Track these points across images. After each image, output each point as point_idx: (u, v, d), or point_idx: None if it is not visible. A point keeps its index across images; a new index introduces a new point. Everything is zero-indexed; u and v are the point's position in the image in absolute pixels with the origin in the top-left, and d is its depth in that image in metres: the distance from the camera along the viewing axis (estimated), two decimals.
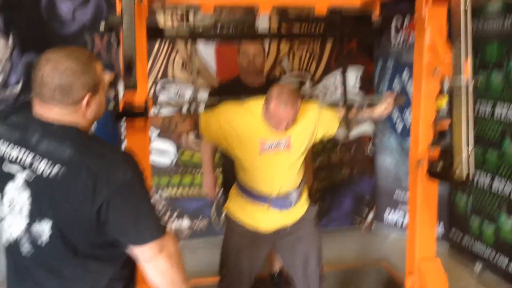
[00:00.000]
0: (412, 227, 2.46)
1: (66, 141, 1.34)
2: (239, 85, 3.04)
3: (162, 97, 3.92)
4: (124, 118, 2.09)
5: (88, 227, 1.33)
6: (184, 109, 3.76)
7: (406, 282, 2.45)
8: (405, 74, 4.05)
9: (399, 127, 4.19)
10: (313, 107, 2.52)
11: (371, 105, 2.73)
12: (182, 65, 3.93)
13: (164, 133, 3.89)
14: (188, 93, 3.94)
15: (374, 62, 4.28)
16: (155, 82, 3.90)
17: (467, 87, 1.93)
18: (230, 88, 3.01)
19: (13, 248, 1.41)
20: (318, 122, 2.50)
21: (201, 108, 2.82)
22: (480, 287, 3.38)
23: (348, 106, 2.62)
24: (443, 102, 2.03)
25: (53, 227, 1.33)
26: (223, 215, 2.80)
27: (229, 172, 3.14)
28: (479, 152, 3.46)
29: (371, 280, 3.46)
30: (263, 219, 2.52)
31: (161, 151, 4.01)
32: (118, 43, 2.13)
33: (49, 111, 1.36)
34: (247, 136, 2.38)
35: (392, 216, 4.38)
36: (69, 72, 1.33)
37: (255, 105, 2.40)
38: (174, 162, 4.04)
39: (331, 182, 4.37)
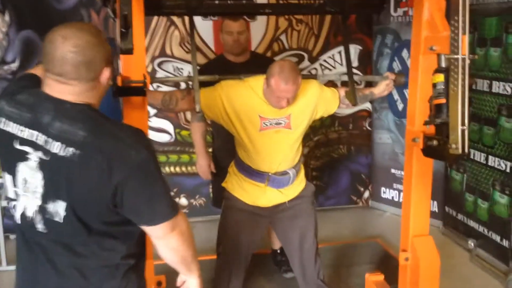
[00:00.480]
0: (406, 205, 2.48)
1: (78, 122, 1.32)
2: (223, 62, 3.03)
3: (160, 75, 3.91)
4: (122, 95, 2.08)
5: (103, 207, 1.34)
6: (183, 86, 3.78)
7: (400, 258, 2.49)
8: (405, 50, 4.03)
9: (400, 106, 4.18)
10: (313, 86, 2.51)
11: (370, 84, 2.72)
12: (180, 41, 3.91)
13: (163, 112, 3.88)
14: (186, 70, 3.93)
15: (373, 39, 4.25)
16: (153, 60, 3.88)
17: (464, 64, 1.92)
18: (215, 66, 2.99)
19: (26, 226, 1.40)
20: (318, 100, 2.50)
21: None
22: (472, 263, 3.42)
23: (352, 79, 2.59)
24: (440, 79, 2.03)
25: (68, 208, 1.33)
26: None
27: (220, 151, 3.15)
28: (475, 129, 3.48)
29: (366, 256, 3.51)
30: (261, 196, 2.54)
31: (158, 130, 4.02)
32: (115, 16, 2.12)
33: (71, 90, 1.33)
34: (248, 113, 2.38)
35: (388, 193, 4.41)
36: (91, 46, 1.31)
37: (256, 82, 2.40)
38: (171, 140, 4.05)
39: (328, 159, 4.39)
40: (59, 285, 1.42)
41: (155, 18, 3.81)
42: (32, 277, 1.46)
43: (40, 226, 1.37)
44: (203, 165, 3.14)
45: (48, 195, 1.34)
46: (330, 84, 3.62)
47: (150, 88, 2.29)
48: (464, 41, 1.91)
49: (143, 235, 1.51)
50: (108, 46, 1.38)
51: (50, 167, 1.32)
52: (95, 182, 1.30)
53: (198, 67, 2.45)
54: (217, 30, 3.91)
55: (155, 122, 3.98)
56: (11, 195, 1.41)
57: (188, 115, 4.00)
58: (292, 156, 2.51)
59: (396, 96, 4.20)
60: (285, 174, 2.50)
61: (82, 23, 1.39)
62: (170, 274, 2.99)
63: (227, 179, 2.65)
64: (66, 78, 1.31)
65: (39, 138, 1.32)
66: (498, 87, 3.24)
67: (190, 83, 2.45)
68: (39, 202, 1.35)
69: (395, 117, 4.24)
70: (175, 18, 3.84)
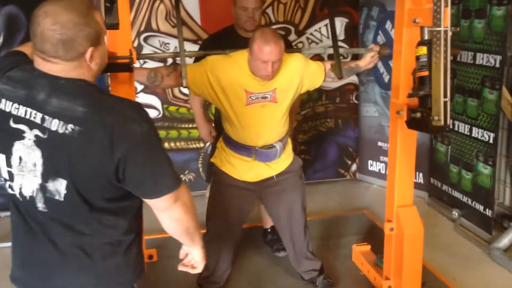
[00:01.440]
0: (391, 176, 2.53)
1: (77, 98, 1.29)
2: (233, 36, 2.93)
3: (146, 50, 3.89)
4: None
5: (105, 183, 1.32)
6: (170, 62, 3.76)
7: (385, 229, 2.55)
8: (388, 22, 4.02)
9: (386, 78, 4.20)
10: (298, 59, 2.52)
11: (356, 56, 2.73)
12: (166, 15, 3.88)
13: (149, 88, 3.87)
14: (172, 45, 3.90)
15: (359, 11, 4.24)
16: (138, 35, 3.85)
17: (446, 36, 1.94)
18: (225, 38, 2.91)
19: (26, 206, 1.39)
20: (303, 73, 2.51)
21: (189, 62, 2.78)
22: (456, 232, 3.50)
23: (337, 52, 2.60)
24: (423, 51, 2.05)
25: (69, 185, 1.31)
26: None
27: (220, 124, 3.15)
28: (460, 101, 3.52)
29: (354, 227, 3.57)
30: (249, 171, 2.57)
31: (146, 106, 4.01)
32: None
33: (54, 67, 1.30)
34: (233, 87, 2.39)
35: (375, 166, 4.47)
36: (71, 25, 1.26)
37: (241, 56, 2.40)
38: (159, 116, 4.05)
39: (315, 133, 4.42)
40: (62, 265, 1.42)
41: None
42: (32, 257, 1.45)
43: (40, 205, 1.36)
44: (204, 134, 3.20)
45: (48, 173, 1.32)
46: (317, 57, 3.64)
47: (137, 64, 2.28)
48: (447, 13, 1.93)
49: (140, 209, 1.52)
50: (97, 26, 1.32)
51: (49, 145, 1.30)
52: (97, 158, 1.28)
53: (207, 38, 2.36)
54: (203, 3, 3.89)
55: (143, 98, 3.97)
56: (4, 175, 1.38)
57: (176, 90, 3.99)
58: (278, 129, 2.53)
59: (382, 69, 4.22)
60: (271, 147, 2.53)
61: (73, 1, 1.34)
62: (161, 249, 3.08)
63: (216, 155, 2.67)
64: (47, 55, 1.29)
65: (35, 115, 1.30)
66: (482, 59, 3.26)
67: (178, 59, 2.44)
68: (39, 181, 1.33)
69: (381, 89, 4.27)
70: None
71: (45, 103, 1.29)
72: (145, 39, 3.88)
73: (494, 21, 3.14)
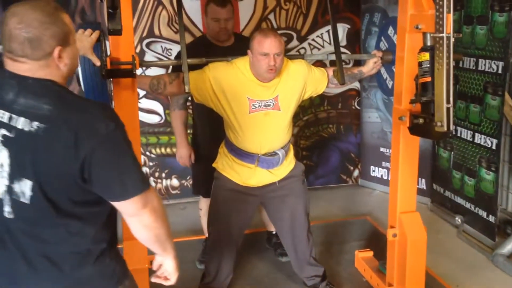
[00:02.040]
0: (394, 182, 2.52)
1: (43, 97, 1.30)
2: (207, 45, 2.87)
3: (148, 56, 3.89)
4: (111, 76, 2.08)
5: (70, 183, 1.31)
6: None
7: (388, 235, 2.54)
8: (390, 28, 4.01)
9: (390, 84, 4.19)
10: (300, 65, 2.53)
11: (358, 62, 2.73)
12: (168, 21, 3.89)
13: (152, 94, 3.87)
14: (175, 51, 3.91)
15: (361, 17, 4.25)
16: (141, 40, 3.86)
17: (448, 42, 1.94)
18: (197, 49, 2.78)
19: None
20: (306, 80, 2.52)
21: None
22: (459, 239, 3.49)
23: (340, 58, 2.60)
24: (425, 57, 2.05)
25: (34, 187, 1.30)
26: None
27: (200, 138, 3.04)
28: (462, 107, 3.52)
29: (356, 233, 3.56)
30: (251, 177, 2.57)
31: (148, 111, 4.02)
32: None
33: (22, 66, 1.31)
34: (236, 95, 2.39)
35: (377, 172, 4.46)
36: (36, 24, 1.28)
37: (243, 62, 2.42)
38: (161, 121, 4.05)
39: (318, 139, 4.42)
40: (31, 276, 1.38)
41: None
42: (1, 268, 1.41)
43: (7, 209, 1.34)
44: (183, 156, 2.99)
45: (14, 174, 1.31)
46: (319, 63, 3.65)
47: (139, 71, 2.28)
48: (449, 19, 1.93)
49: (112, 217, 1.48)
50: (65, 26, 1.34)
51: (16, 143, 1.30)
52: (62, 156, 1.28)
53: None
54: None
55: (145, 103, 3.98)
56: None
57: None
58: (281, 137, 2.53)
59: (385, 75, 4.20)
60: (274, 155, 2.53)
61: (40, 1, 1.35)
62: None
63: (218, 160, 2.66)
64: (15, 55, 1.30)
65: (3, 115, 1.31)
66: (484, 65, 3.26)
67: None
68: (6, 182, 1.32)
69: (383, 95, 4.26)
70: None
71: (13, 102, 1.30)
72: (148, 45, 3.89)
73: (496, 27, 3.14)
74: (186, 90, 2.32)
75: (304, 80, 2.51)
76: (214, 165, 2.68)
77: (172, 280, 1.57)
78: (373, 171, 4.48)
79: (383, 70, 4.17)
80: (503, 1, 3.08)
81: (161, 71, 3.92)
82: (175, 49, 3.89)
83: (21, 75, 1.32)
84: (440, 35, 1.95)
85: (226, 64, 2.45)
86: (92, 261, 1.42)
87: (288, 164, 2.63)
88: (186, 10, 3.84)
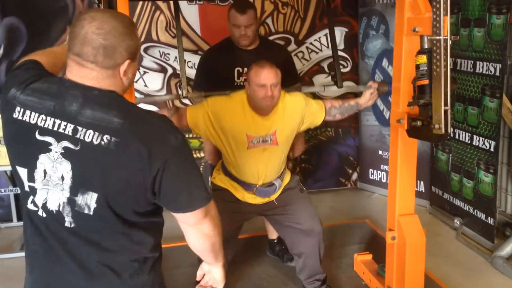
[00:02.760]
0: (392, 185, 2.53)
1: (112, 109, 1.26)
2: (232, 48, 2.90)
3: (146, 60, 3.90)
4: None
5: (137, 195, 1.29)
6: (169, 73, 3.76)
7: (386, 237, 2.54)
8: (385, 61, 4.05)
9: (386, 115, 4.19)
10: (298, 100, 2.55)
11: (355, 94, 2.72)
12: (166, 25, 3.90)
13: (147, 100, 3.83)
14: (172, 55, 3.92)
15: (359, 21, 4.26)
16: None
17: (446, 45, 1.95)
18: (225, 51, 2.89)
19: (48, 222, 1.33)
20: (304, 113, 2.55)
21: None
22: (458, 241, 3.49)
23: (338, 62, 2.60)
24: (423, 60, 2.06)
25: (99, 198, 1.27)
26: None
27: None
28: (460, 109, 3.52)
29: (355, 236, 3.55)
30: (249, 198, 2.61)
31: None
32: (99, 1, 2.11)
33: (88, 74, 1.28)
34: (235, 131, 2.42)
35: (376, 175, 4.46)
36: (115, 33, 1.26)
37: (241, 97, 2.45)
38: None
39: (316, 142, 4.41)
40: (91, 285, 1.35)
41: (140, 3, 3.78)
42: (57, 281, 1.37)
43: (68, 220, 1.31)
44: (208, 149, 3.07)
45: (78, 186, 1.28)
46: (316, 68, 3.66)
47: (136, 75, 2.29)
48: (446, 22, 1.93)
49: (163, 227, 1.48)
50: (138, 41, 1.34)
51: (81, 156, 1.26)
52: (134, 170, 1.25)
53: (206, 52, 2.32)
54: (203, 13, 3.91)
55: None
56: (26, 189, 1.33)
57: (176, 101, 4.00)
58: (278, 168, 2.58)
59: (382, 106, 4.24)
60: (271, 185, 2.58)
61: (119, 12, 1.34)
62: (165, 259, 3.06)
63: (215, 176, 2.68)
64: (84, 59, 1.26)
65: (65, 127, 1.26)
66: (481, 67, 3.27)
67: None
68: (67, 194, 1.29)
69: (381, 98, 4.26)
70: (160, 3, 3.81)
71: (78, 114, 1.26)
72: (145, 50, 3.90)
73: (493, 30, 3.15)
74: (184, 95, 2.33)
75: (302, 113, 2.54)
76: (211, 180, 2.71)
77: None
78: (372, 174, 4.48)
79: (379, 102, 4.20)
80: (500, 4, 3.09)
81: (159, 76, 3.95)
82: (173, 53, 3.90)
83: (85, 85, 1.28)
84: (437, 37, 1.95)
85: (225, 98, 2.48)
86: (148, 269, 1.41)
87: (283, 181, 2.67)
88: (184, 15, 3.84)
